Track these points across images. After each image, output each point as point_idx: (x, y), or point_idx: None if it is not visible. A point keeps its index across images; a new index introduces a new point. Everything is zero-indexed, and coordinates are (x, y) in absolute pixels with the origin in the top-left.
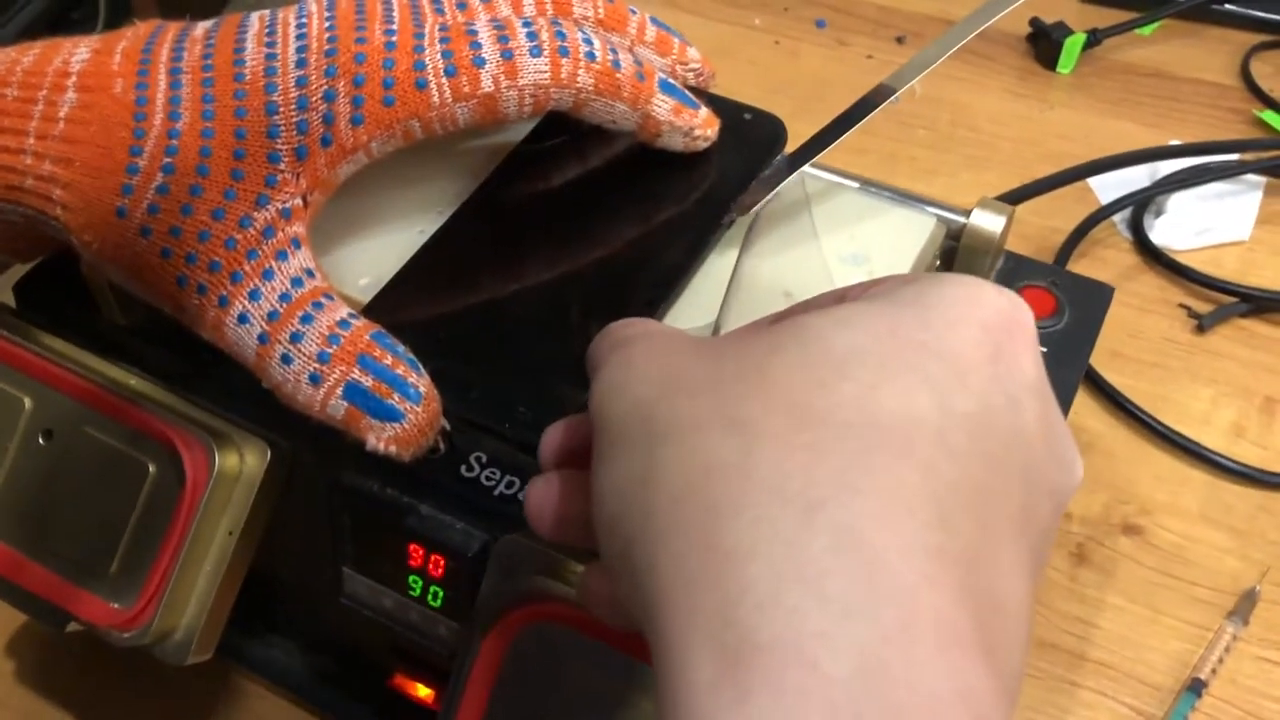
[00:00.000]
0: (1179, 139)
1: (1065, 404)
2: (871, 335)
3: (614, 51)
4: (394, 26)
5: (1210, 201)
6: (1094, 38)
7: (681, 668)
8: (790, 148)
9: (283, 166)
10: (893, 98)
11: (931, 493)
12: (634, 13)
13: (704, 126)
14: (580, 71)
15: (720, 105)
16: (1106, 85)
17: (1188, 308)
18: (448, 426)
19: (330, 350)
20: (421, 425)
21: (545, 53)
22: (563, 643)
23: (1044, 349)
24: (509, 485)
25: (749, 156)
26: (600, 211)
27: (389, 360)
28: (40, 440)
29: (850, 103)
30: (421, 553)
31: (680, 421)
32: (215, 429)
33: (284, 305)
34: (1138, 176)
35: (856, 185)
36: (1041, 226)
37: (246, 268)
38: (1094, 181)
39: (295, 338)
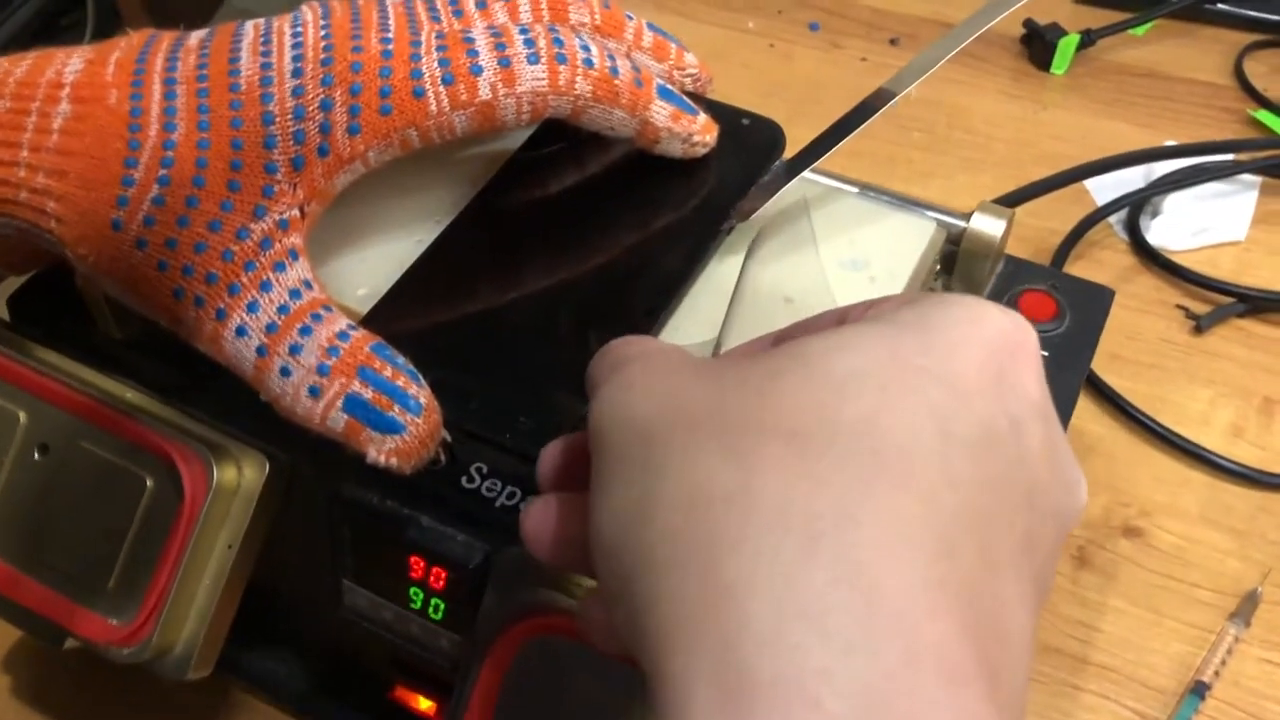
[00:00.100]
0: (1173, 139)
1: (1067, 408)
2: (872, 360)
3: (611, 58)
4: (390, 35)
5: (1206, 202)
6: (1088, 38)
7: (682, 705)
8: (787, 151)
9: (280, 177)
10: (892, 102)
11: (933, 523)
12: (630, 18)
13: (702, 132)
14: (578, 78)
15: (718, 111)
16: (1101, 86)
17: (1185, 308)
18: (448, 438)
19: (329, 362)
20: (422, 437)
21: (543, 60)
22: (567, 655)
23: (1045, 353)
24: (510, 496)
25: (748, 162)
26: (599, 219)
27: (389, 372)
28: (36, 455)
29: (844, 105)
30: (422, 565)
31: (679, 448)
32: (213, 442)
33: (282, 317)
34: (1133, 177)
35: (856, 190)
36: (1038, 228)
37: (244, 280)
38: (1090, 182)
39: (294, 350)
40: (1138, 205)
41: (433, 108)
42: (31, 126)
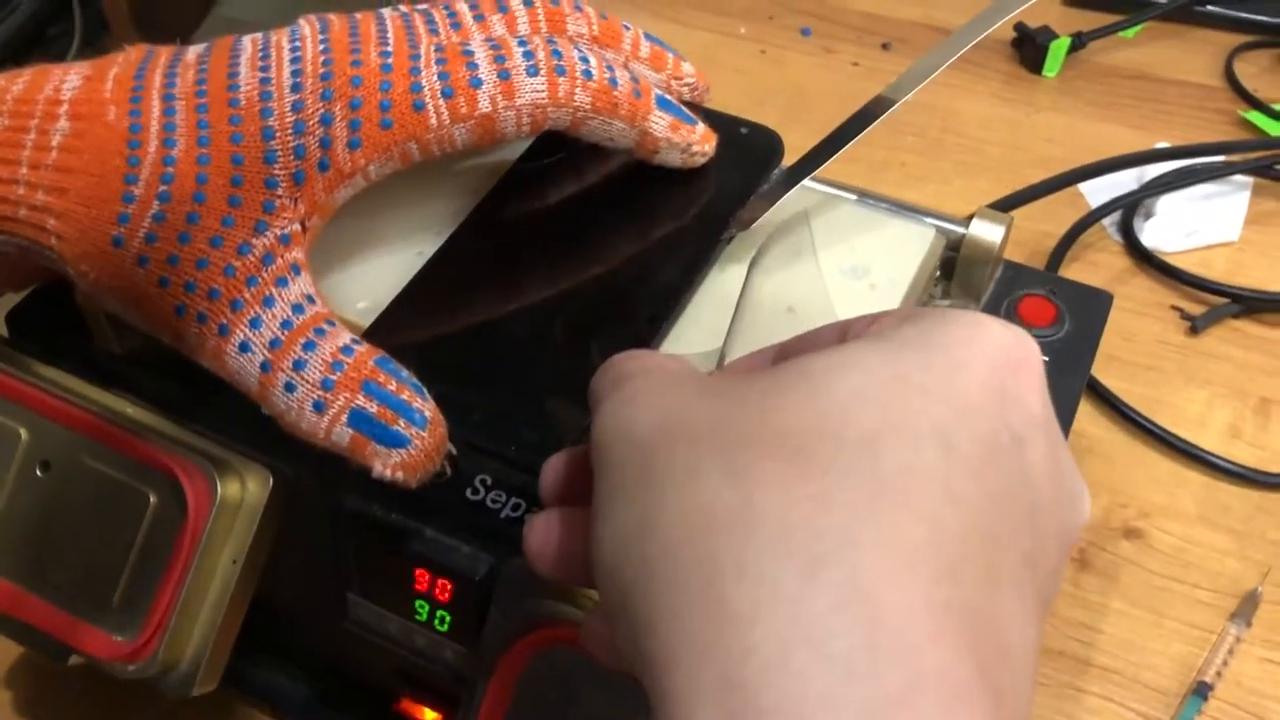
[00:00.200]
0: (1165, 140)
1: (1068, 413)
2: (874, 378)
3: (610, 69)
4: (389, 48)
5: (1199, 203)
6: (1078, 41)
7: None
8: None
9: (280, 192)
10: (892, 109)
11: (936, 545)
12: (628, 28)
13: (701, 142)
14: (577, 90)
15: (716, 120)
16: (1092, 88)
17: (1180, 310)
18: (453, 451)
19: (334, 377)
20: (428, 450)
21: (542, 72)
22: (576, 667)
23: (1045, 358)
24: (515, 508)
25: (746, 171)
26: (600, 229)
27: (393, 386)
28: (38, 472)
29: (837, 109)
30: (428, 577)
31: (680, 468)
32: (216, 457)
33: (286, 332)
34: (1126, 179)
35: (854, 198)
36: (1032, 230)
37: (246, 295)
38: (1083, 185)
39: (298, 365)
40: (1131, 207)
41: (433, 121)
42: (30, 144)
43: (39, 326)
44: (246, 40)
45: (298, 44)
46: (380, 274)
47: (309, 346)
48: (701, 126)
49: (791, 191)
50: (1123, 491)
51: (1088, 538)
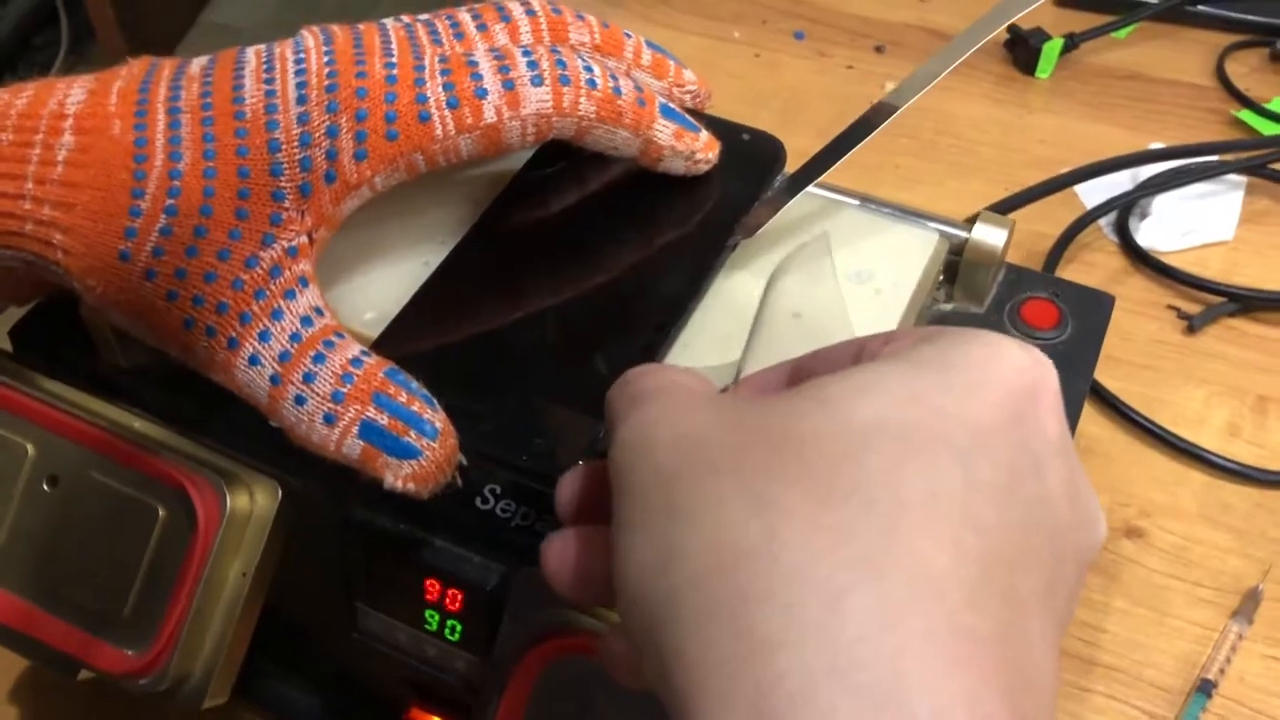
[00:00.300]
0: (1158, 140)
1: (1074, 415)
2: (893, 403)
3: (614, 78)
4: (394, 59)
5: (1193, 202)
6: (1071, 42)
7: None
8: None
9: (287, 204)
10: (894, 115)
11: (959, 573)
12: (629, 37)
13: (705, 149)
14: (582, 99)
15: (717, 126)
16: (1085, 89)
17: (1177, 309)
18: (464, 461)
19: (344, 389)
20: (439, 461)
21: (547, 81)
22: (590, 676)
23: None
24: (525, 517)
25: (749, 177)
26: (605, 237)
27: (404, 397)
28: (45, 487)
29: (832, 112)
30: (438, 587)
31: (701, 496)
32: (224, 470)
33: (295, 345)
34: (1121, 179)
35: (857, 202)
36: (1028, 231)
37: (255, 308)
38: (1078, 185)
39: (308, 378)
40: (1126, 207)
41: (438, 131)
42: (35, 159)
43: (43, 341)
44: (250, 52)
45: (302, 56)
46: (387, 285)
47: (318, 359)
48: (705, 134)
49: (795, 198)
50: (1123, 491)
51: None
